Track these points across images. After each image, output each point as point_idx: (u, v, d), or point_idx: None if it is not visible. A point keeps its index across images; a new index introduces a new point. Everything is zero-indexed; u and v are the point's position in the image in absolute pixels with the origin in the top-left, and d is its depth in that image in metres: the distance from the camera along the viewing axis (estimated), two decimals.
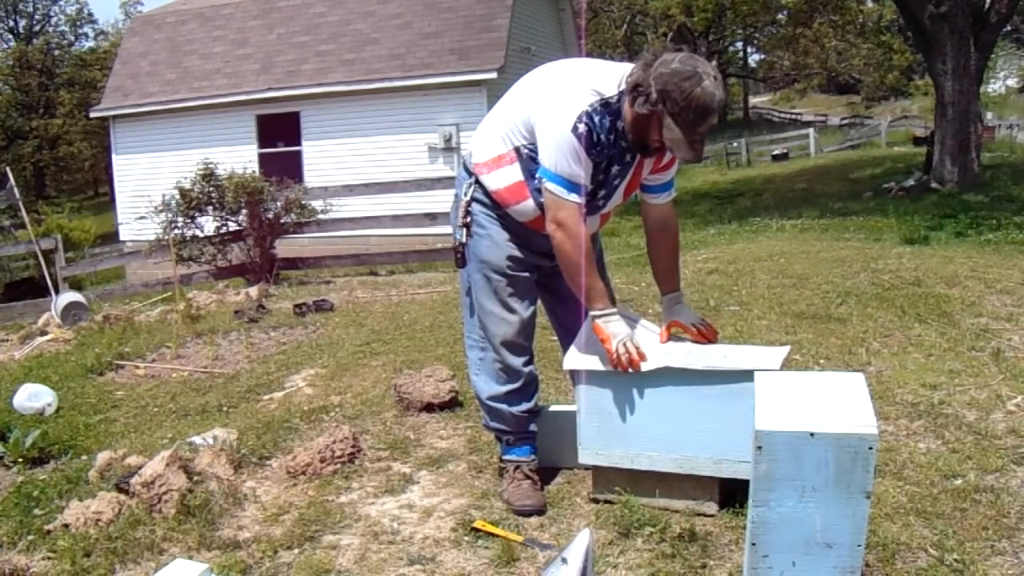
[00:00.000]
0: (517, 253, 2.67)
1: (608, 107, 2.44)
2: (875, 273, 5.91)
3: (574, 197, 2.44)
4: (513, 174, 2.57)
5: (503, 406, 2.76)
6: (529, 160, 2.53)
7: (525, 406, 2.77)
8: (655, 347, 2.59)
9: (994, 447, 2.86)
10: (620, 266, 7.85)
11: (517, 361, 2.72)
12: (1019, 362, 3.73)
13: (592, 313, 2.54)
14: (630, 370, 2.48)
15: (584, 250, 2.48)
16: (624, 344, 2.48)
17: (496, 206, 2.65)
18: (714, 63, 2.40)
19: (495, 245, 2.66)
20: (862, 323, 4.61)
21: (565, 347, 2.83)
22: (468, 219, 2.68)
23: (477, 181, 2.66)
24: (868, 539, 2.14)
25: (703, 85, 2.29)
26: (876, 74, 31.97)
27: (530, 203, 2.57)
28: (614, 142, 2.48)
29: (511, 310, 2.68)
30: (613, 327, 2.51)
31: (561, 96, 2.44)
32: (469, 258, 2.71)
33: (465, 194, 2.68)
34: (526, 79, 2.62)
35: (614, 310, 2.55)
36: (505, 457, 2.82)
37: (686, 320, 2.68)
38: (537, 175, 2.49)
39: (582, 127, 2.39)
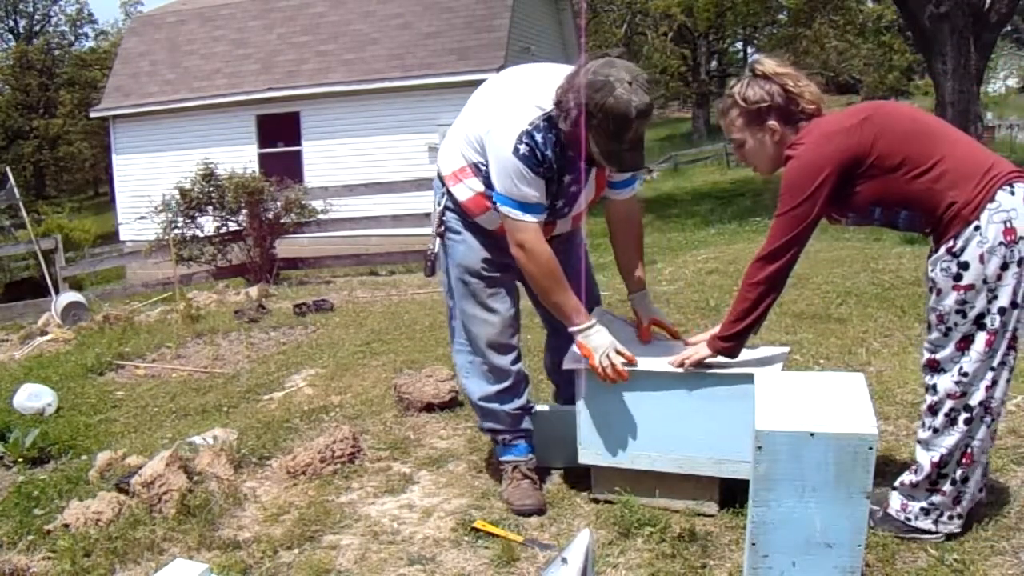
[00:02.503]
0: (491, 255, 2.67)
1: (551, 121, 2.40)
2: (875, 273, 5.91)
3: (529, 217, 2.43)
4: (474, 186, 2.57)
5: (495, 405, 2.75)
6: (487, 175, 2.51)
7: (517, 403, 2.77)
8: (655, 351, 2.60)
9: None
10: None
11: (504, 360, 2.72)
12: (1019, 362, 3.73)
13: (571, 330, 2.51)
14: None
15: (550, 270, 2.46)
16: (607, 356, 2.46)
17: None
18: (631, 67, 2.29)
19: (470, 249, 2.67)
20: (862, 323, 4.61)
21: (552, 345, 2.86)
22: (442, 228, 2.70)
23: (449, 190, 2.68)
24: (868, 539, 2.14)
25: (615, 94, 2.25)
26: (876, 74, 31.93)
27: (493, 213, 2.55)
28: (560, 154, 2.44)
29: (491, 310, 2.69)
30: (594, 340, 2.48)
31: (502, 116, 2.42)
32: (447, 264, 2.72)
33: (439, 203, 2.70)
34: (478, 93, 2.62)
35: (593, 322, 2.50)
36: (503, 458, 2.82)
37: (662, 317, 2.74)
38: (492, 199, 2.48)
39: (523, 148, 2.37)
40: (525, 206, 2.42)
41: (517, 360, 2.76)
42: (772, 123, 2.31)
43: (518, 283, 2.78)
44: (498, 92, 2.54)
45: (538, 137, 2.38)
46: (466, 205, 2.62)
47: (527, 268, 2.48)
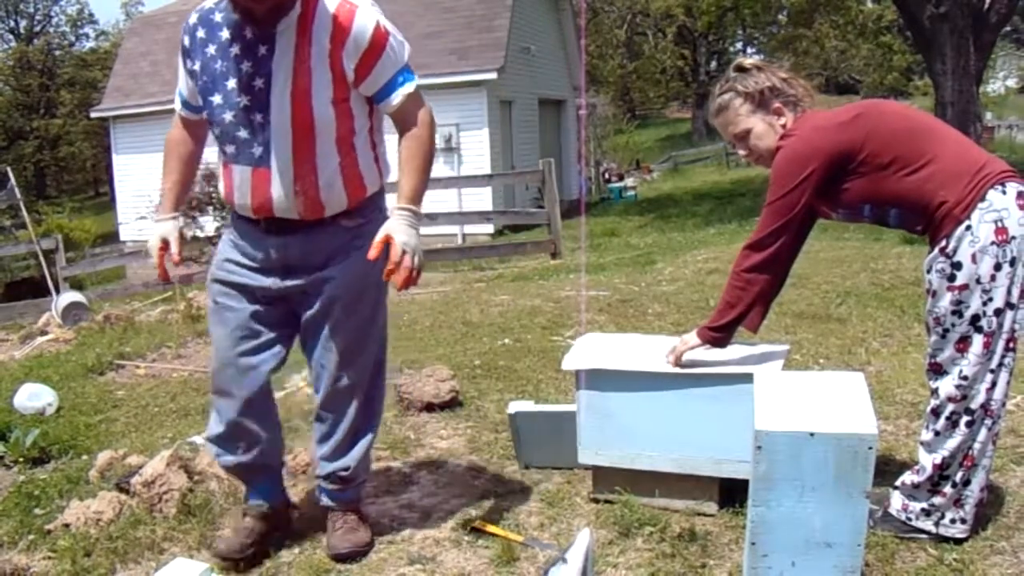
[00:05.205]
0: (228, 275, 2.40)
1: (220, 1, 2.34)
2: (875, 273, 5.92)
3: (176, 106, 2.50)
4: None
5: (214, 449, 2.48)
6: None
7: (231, 459, 2.45)
8: (655, 351, 2.60)
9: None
10: (620, 266, 7.85)
11: (221, 404, 2.42)
12: (1018, 362, 3.73)
13: (155, 214, 2.55)
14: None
15: (166, 154, 2.51)
16: (153, 244, 2.42)
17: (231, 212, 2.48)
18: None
19: (216, 263, 2.46)
20: (862, 323, 4.62)
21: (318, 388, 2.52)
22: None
23: None
24: (868, 539, 2.14)
25: None
26: (876, 74, 31.96)
27: (221, 170, 2.39)
28: (227, 37, 2.30)
29: (214, 339, 2.45)
30: (157, 228, 2.44)
31: None
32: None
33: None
34: None
35: (168, 216, 2.44)
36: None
37: (399, 239, 2.19)
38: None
39: (182, 37, 2.41)
40: (181, 95, 2.48)
41: (242, 413, 2.39)
42: (778, 105, 2.33)
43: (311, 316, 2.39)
44: None
45: (193, 20, 2.38)
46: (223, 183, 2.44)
47: None
